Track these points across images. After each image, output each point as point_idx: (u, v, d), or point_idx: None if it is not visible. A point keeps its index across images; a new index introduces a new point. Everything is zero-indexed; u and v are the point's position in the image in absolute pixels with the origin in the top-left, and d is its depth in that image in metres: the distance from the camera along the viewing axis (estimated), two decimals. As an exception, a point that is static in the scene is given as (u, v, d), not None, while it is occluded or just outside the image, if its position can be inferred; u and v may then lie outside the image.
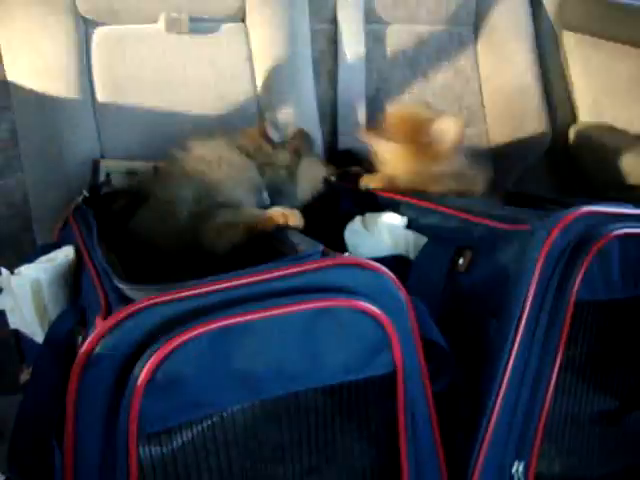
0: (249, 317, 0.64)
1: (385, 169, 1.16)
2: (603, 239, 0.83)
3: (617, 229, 0.84)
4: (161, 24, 1.24)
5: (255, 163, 1.08)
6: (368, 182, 1.16)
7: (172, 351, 0.61)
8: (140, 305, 0.63)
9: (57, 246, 0.91)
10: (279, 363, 0.67)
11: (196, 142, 1.07)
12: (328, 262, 0.71)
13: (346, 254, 0.79)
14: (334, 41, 1.42)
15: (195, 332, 0.62)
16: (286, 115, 1.29)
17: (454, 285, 0.91)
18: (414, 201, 1.06)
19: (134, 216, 0.99)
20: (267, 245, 0.89)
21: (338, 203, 1.17)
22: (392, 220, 1.01)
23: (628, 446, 0.99)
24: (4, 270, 0.84)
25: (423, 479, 0.79)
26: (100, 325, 0.63)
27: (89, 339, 0.62)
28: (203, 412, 0.66)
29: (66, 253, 0.87)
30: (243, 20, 1.33)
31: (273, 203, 1.04)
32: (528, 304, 0.82)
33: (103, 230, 0.90)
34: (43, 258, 0.87)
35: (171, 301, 0.64)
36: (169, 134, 1.23)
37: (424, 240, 0.98)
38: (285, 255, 0.75)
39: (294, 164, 1.12)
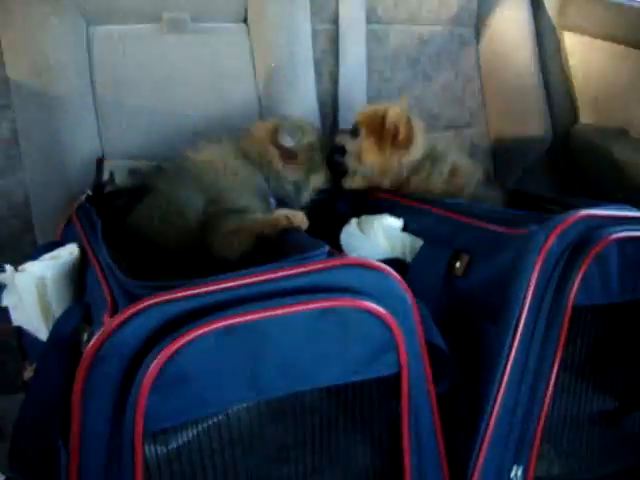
0: (255, 316, 0.64)
1: (362, 166, 1.17)
2: (601, 243, 0.83)
3: (615, 232, 0.84)
4: (162, 24, 1.24)
5: (261, 171, 1.08)
6: (349, 182, 1.17)
7: (179, 349, 0.61)
8: (147, 303, 0.63)
9: (60, 244, 0.91)
10: (284, 363, 0.67)
11: (204, 146, 1.07)
12: (334, 262, 0.72)
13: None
14: (335, 41, 1.42)
15: (201, 331, 0.62)
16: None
17: (451, 289, 0.91)
18: (410, 203, 1.06)
19: (132, 212, 0.99)
20: (272, 245, 0.90)
21: (334, 205, 1.17)
22: (388, 222, 1.01)
23: (627, 447, 0.99)
24: (8, 267, 0.84)
25: (426, 480, 0.79)
26: (107, 323, 0.63)
27: (96, 337, 0.62)
28: (208, 411, 0.66)
29: (70, 250, 0.87)
30: (244, 20, 1.33)
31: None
32: (526, 308, 0.82)
33: (106, 228, 0.90)
34: (47, 255, 0.86)
35: (177, 299, 0.64)
36: (170, 134, 1.23)
37: (420, 243, 0.98)
38: (290, 255, 0.75)
39: (303, 179, 1.13)
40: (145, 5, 1.24)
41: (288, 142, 1.10)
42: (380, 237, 1.00)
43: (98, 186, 1.07)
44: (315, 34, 1.39)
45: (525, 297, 0.82)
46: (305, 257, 0.73)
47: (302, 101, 1.35)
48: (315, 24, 1.39)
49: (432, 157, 1.17)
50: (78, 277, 0.86)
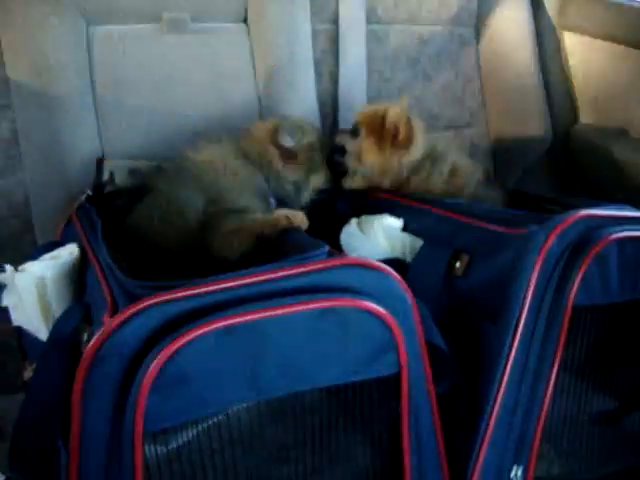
0: (255, 316, 0.64)
1: (362, 166, 1.17)
2: (601, 243, 0.83)
3: (615, 232, 0.84)
4: (162, 24, 1.24)
5: (261, 171, 1.08)
6: (349, 182, 1.18)
7: (179, 349, 0.61)
8: (146, 303, 0.63)
9: (60, 244, 0.91)
10: (284, 363, 0.67)
11: (204, 146, 1.07)
12: (334, 262, 0.71)
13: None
14: (335, 41, 1.42)
15: (201, 331, 0.62)
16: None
17: (451, 289, 0.91)
18: (410, 203, 1.06)
19: (132, 212, 0.99)
20: (272, 245, 0.90)
21: (334, 205, 1.17)
22: (388, 222, 1.01)
23: (628, 447, 0.99)
24: (8, 267, 0.84)
25: (426, 480, 0.79)
26: (107, 323, 0.63)
27: (96, 337, 0.62)
28: (208, 411, 0.66)
29: (70, 250, 0.87)
30: (244, 20, 1.33)
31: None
32: (526, 308, 0.82)
33: (106, 228, 0.90)
34: (47, 255, 0.86)
35: (177, 299, 0.64)
36: (170, 134, 1.23)
37: (420, 243, 0.98)
38: (290, 255, 0.74)
39: (303, 179, 1.12)
40: (145, 5, 1.24)
41: (288, 142, 1.10)
42: (380, 237, 1.00)
43: (98, 186, 1.07)
44: (315, 34, 1.39)
45: (525, 297, 0.82)
46: (305, 257, 0.73)
47: (302, 101, 1.35)
48: (315, 24, 1.39)
49: (432, 157, 1.17)
50: (78, 277, 0.86)
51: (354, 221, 1.04)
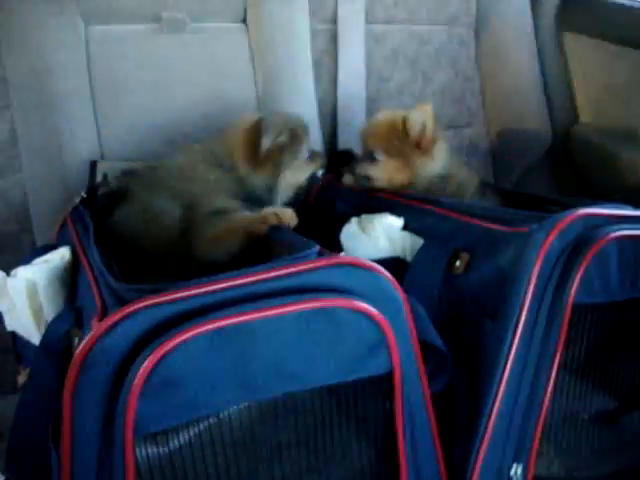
0: (245, 318, 0.64)
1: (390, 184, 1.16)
2: (601, 241, 0.82)
3: (615, 231, 0.84)
4: (161, 24, 1.25)
5: (230, 174, 1.03)
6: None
7: (168, 352, 0.60)
8: (135, 307, 0.62)
9: (55, 247, 0.90)
10: (276, 363, 0.66)
11: (179, 150, 1.05)
12: (324, 262, 0.71)
13: (342, 254, 0.78)
14: (334, 41, 1.42)
15: (191, 333, 0.61)
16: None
17: (451, 287, 0.91)
18: (411, 202, 1.06)
19: (112, 215, 0.98)
20: (262, 245, 0.89)
21: (334, 204, 1.17)
22: (389, 221, 1.01)
23: (627, 446, 0.98)
24: (0, 272, 0.84)
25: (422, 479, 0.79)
26: (95, 327, 0.62)
27: (84, 341, 0.61)
28: (200, 413, 0.65)
29: (62, 254, 0.86)
30: (243, 20, 1.33)
31: None
32: (526, 307, 0.82)
33: (99, 231, 0.89)
34: (39, 259, 0.86)
35: (167, 302, 0.63)
36: (169, 134, 1.24)
37: (421, 242, 0.97)
38: (281, 255, 0.74)
39: (274, 180, 1.06)
40: (144, 5, 1.24)
41: (266, 142, 1.04)
42: (380, 236, 1.00)
43: (91, 188, 1.06)
44: (314, 34, 1.39)
45: (525, 295, 0.81)
46: (295, 257, 0.72)
47: (301, 101, 1.35)
48: (314, 24, 1.39)
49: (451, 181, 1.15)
50: (70, 281, 0.86)
51: (354, 220, 1.04)
